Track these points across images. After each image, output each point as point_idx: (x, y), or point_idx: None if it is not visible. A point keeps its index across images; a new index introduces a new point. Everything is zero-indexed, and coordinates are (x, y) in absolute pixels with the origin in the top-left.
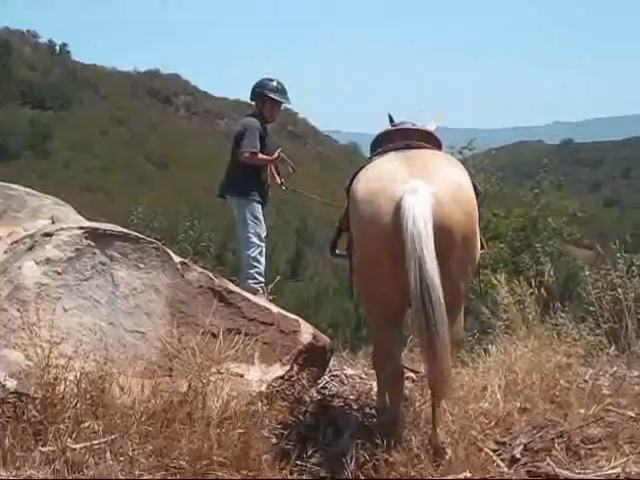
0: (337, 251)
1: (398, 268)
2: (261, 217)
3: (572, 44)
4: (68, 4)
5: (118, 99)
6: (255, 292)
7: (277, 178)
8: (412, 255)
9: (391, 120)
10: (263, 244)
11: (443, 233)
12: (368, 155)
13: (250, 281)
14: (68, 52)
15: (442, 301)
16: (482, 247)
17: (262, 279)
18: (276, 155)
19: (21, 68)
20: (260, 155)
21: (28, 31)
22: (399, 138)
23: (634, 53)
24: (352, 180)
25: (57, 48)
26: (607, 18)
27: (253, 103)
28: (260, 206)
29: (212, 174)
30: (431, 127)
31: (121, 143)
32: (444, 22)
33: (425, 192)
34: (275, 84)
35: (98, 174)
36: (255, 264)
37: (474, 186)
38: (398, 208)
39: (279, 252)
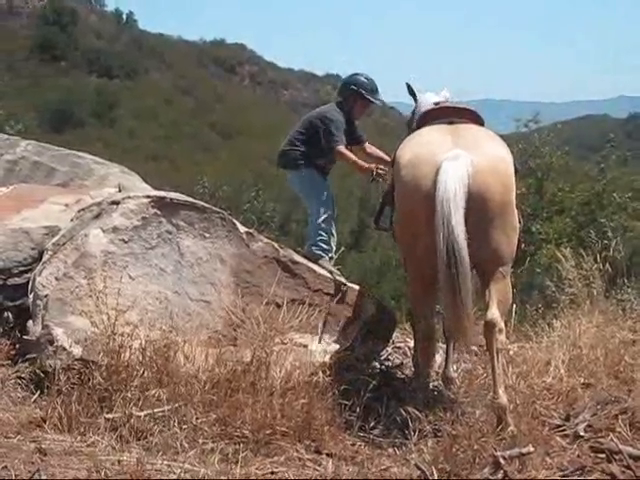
0: (381, 224)
1: (434, 229)
2: (328, 188)
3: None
4: None
5: (183, 68)
6: (319, 259)
7: (361, 163)
8: (441, 216)
9: (410, 89)
10: (331, 212)
11: (479, 200)
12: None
13: (314, 248)
14: (135, 21)
15: (467, 261)
16: (519, 222)
17: (326, 247)
18: (371, 169)
19: (88, 37)
20: (352, 156)
21: (95, 0)
22: (441, 116)
23: None
24: (397, 148)
25: (124, 17)
26: None
27: (339, 98)
28: (323, 178)
29: (276, 144)
30: (445, 94)
31: (186, 112)
32: None
33: (464, 160)
34: (371, 83)
35: (163, 143)
36: (321, 232)
37: (514, 165)
38: (437, 173)
39: (342, 223)
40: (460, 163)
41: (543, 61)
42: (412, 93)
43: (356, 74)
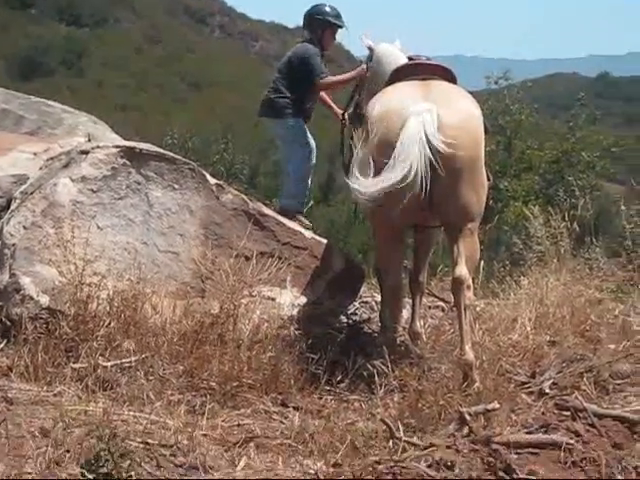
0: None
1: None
2: (310, 139)
3: None
4: None
5: (154, 17)
6: (297, 211)
7: (335, 108)
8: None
9: (370, 49)
10: (311, 163)
11: (448, 154)
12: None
13: (292, 200)
14: None
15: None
16: (488, 179)
17: (305, 200)
18: (362, 68)
19: None
20: (338, 76)
21: None
22: (414, 72)
23: None
24: (370, 103)
25: None
26: None
27: (305, 31)
28: (305, 127)
29: (246, 96)
30: (397, 45)
31: (155, 62)
32: None
33: (432, 113)
34: (334, 10)
35: (132, 92)
36: (301, 183)
37: (484, 124)
38: (404, 125)
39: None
40: (427, 117)
41: (513, 18)
42: (368, 47)
43: (317, 5)
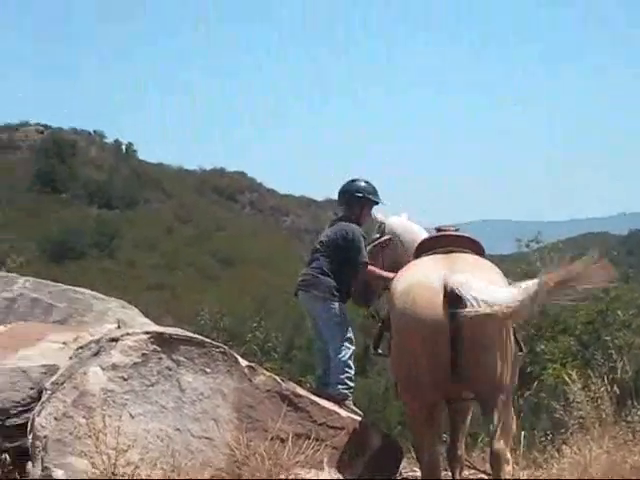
0: (379, 350)
1: (432, 358)
2: (348, 318)
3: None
4: (134, 103)
5: (183, 197)
6: (345, 398)
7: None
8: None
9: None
10: (353, 347)
11: (473, 327)
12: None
13: (340, 387)
14: (134, 151)
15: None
16: (520, 350)
17: (352, 384)
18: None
19: (87, 168)
20: (381, 271)
21: (95, 131)
22: (438, 244)
23: None
24: (394, 278)
25: (123, 147)
26: None
27: (340, 206)
28: (345, 307)
29: (277, 271)
30: (403, 217)
31: (186, 241)
32: (504, 112)
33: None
34: (371, 185)
35: (163, 272)
36: (346, 369)
37: None
38: (431, 301)
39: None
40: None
41: (541, 179)
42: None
43: (354, 180)
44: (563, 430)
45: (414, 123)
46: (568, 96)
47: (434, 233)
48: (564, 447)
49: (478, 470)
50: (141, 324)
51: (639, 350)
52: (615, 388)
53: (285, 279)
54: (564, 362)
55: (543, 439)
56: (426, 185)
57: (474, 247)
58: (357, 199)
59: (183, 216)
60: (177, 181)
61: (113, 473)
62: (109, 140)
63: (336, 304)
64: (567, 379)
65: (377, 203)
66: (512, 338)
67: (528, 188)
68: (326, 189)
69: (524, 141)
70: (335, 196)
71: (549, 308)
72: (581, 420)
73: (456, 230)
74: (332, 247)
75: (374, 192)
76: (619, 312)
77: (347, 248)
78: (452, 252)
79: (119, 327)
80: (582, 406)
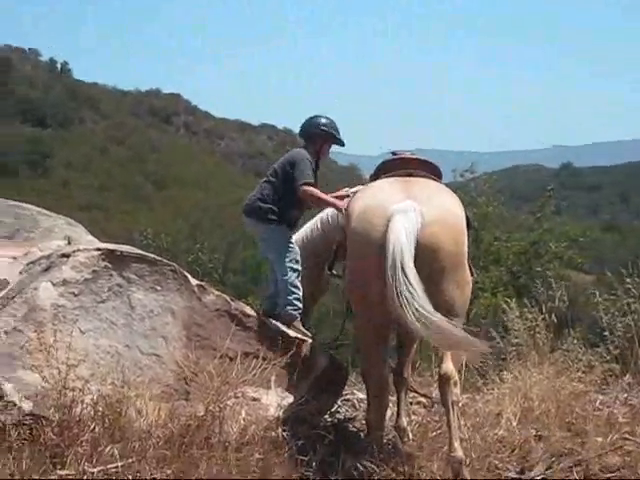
0: (334, 271)
1: (385, 280)
2: (294, 245)
3: (570, 69)
4: (70, 22)
5: (118, 118)
6: (293, 319)
7: (337, 193)
8: (392, 267)
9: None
10: (300, 268)
11: (429, 252)
12: (367, 177)
13: (288, 308)
14: (69, 70)
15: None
16: (472, 274)
17: (300, 305)
18: (344, 196)
19: (22, 86)
20: (322, 194)
21: (30, 49)
22: (399, 167)
23: (632, 79)
24: (350, 200)
25: (58, 66)
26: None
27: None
28: (291, 233)
29: (211, 194)
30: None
31: (120, 162)
32: (443, 39)
33: (415, 212)
34: (333, 123)
35: (96, 192)
36: (294, 290)
37: (467, 219)
38: (387, 224)
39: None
40: (410, 213)
41: (482, 112)
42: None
43: (318, 116)
44: (503, 357)
45: (349, 47)
46: (506, 28)
47: (390, 157)
48: (504, 373)
49: (418, 393)
50: (88, 242)
51: (569, 281)
52: (554, 317)
53: (219, 201)
54: (495, 292)
55: (484, 365)
56: (360, 113)
57: (434, 172)
58: (320, 134)
59: (117, 137)
60: (112, 101)
61: (64, 387)
62: (44, 58)
63: (278, 227)
64: (506, 307)
65: (338, 141)
66: (466, 264)
67: (464, 119)
68: (262, 114)
69: (461, 71)
70: (270, 121)
71: (482, 237)
72: (519, 347)
73: (412, 154)
74: (279, 172)
75: (336, 130)
76: (551, 244)
77: (289, 170)
78: (411, 176)
79: (69, 243)
80: (519, 334)
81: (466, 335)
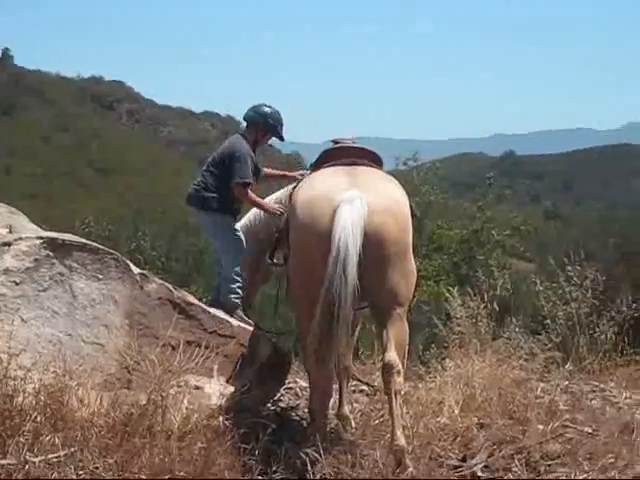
0: (274, 260)
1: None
2: (240, 233)
3: (511, 56)
4: (11, 7)
5: (62, 105)
6: (236, 307)
7: (288, 173)
8: (335, 260)
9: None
10: (243, 256)
11: (375, 241)
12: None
13: (232, 296)
14: (11, 57)
15: (350, 309)
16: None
17: (241, 294)
18: (276, 211)
19: None
20: (255, 198)
21: None
22: (342, 156)
23: (571, 67)
24: (294, 188)
25: (0, 52)
26: (547, 34)
27: (243, 124)
28: (235, 221)
29: (154, 181)
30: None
31: (63, 149)
32: (387, 25)
33: (360, 201)
34: (277, 114)
35: (40, 180)
36: (238, 279)
37: (411, 208)
38: (333, 214)
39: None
40: (356, 203)
41: (426, 99)
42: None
43: (263, 105)
44: (445, 345)
45: (291, 31)
46: (451, 14)
47: (332, 145)
48: (446, 361)
49: (361, 381)
50: (30, 229)
51: (511, 270)
52: (495, 306)
53: (161, 189)
54: (437, 280)
55: (426, 353)
56: (303, 100)
57: (376, 160)
58: (262, 123)
59: (61, 124)
60: (55, 88)
61: (5, 376)
62: None
63: (221, 217)
64: (448, 295)
65: (279, 136)
66: (411, 253)
67: (408, 108)
68: (205, 101)
69: (405, 59)
70: (213, 109)
71: (425, 226)
72: (461, 335)
73: (354, 142)
74: (219, 163)
75: (280, 124)
76: (493, 232)
77: (228, 162)
78: (355, 164)
79: (10, 232)
80: (461, 322)
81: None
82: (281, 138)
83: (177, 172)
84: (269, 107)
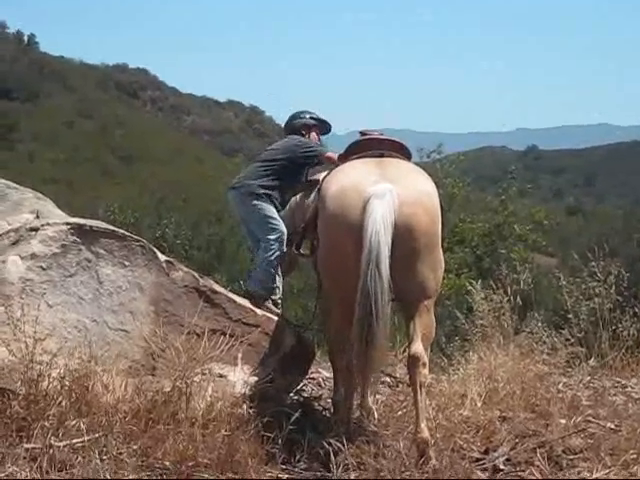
0: (302, 250)
1: (360, 261)
2: (281, 224)
3: (535, 51)
4: None
5: (85, 92)
6: (263, 298)
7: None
8: (368, 253)
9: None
10: (283, 248)
11: (405, 233)
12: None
13: (261, 285)
14: (36, 43)
15: (387, 301)
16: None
17: (273, 285)
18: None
19: None
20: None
21: None
22: (370, 147)
23: (596, 63)
24: (323, 180)
25: (25, 39)
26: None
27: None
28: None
29: (177, 169)
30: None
31: (86, 136)
32: (413, 24)
33: (391, 194)
34: (317, 118)
35: (62, 166)
36: (270, 269)
37: (440, 202)
38: (364, 206)
39: (244, 252)
40: (387, 197)
41: (446, 92)
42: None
43: (302, 111)
44: (468, 338)
45: (317, 25)
46: (472, 9)
47: (360, 137)
48: (470, 354)
49: (383, 373)
50: (57, 215)
51: (533, 264)
52: (519, 300)
53: (184, 177)
54: (459, 273)
55: (450, 346)
56: (325, 91)
57: (403, 152)
58: (307, 124)
59: (84, 111)
60: (79, 75)
61: (31, 361)
62: (11, 30)
63: (266, 205)
64: (471, 288)
65: (327, 127)
66: (440, 245)
67: (429, 99)
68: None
69: (427, 52)
70: (237, 98)
71: (448, 219)
72: (484, 329)
73: (381, 134)
74: (279, 158)
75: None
76: (515, 226)
77: (300, 152)
78: (383, 156)
79: (38, 217)
80: (484, 315)
81: (380, 365)
82: (329, 128)
83: (200, 161)
84: (305, 111)
